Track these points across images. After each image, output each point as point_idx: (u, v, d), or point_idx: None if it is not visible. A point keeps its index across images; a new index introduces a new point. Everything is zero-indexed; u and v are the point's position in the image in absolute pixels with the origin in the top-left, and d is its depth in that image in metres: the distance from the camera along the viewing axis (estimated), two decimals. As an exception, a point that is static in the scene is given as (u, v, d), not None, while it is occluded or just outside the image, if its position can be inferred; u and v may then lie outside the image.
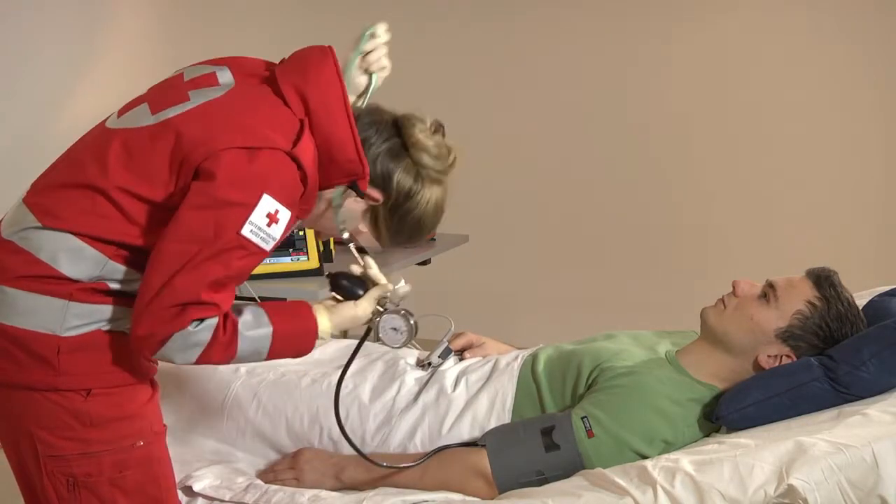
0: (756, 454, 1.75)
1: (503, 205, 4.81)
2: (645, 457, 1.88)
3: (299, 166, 1.58)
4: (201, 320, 1.57)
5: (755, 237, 4.55)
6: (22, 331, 1.58)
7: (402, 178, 1.70)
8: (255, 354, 1.66)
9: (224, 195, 1.54)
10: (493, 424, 2.02)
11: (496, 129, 4.56)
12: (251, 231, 1.55)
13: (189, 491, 1.93)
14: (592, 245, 4.82)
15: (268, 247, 1.59)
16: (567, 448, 1.89)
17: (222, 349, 1.60)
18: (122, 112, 1.69)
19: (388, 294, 1.83)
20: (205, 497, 1.92)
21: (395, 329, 1.85)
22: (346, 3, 5.05)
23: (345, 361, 1.92)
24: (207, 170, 1.54)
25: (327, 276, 1.87)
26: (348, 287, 1.83)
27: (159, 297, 1.53)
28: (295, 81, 1.65)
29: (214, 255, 1.54)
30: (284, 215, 1.58)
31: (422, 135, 1.71)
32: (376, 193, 1.71)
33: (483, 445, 1.94)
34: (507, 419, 2.02)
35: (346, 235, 1.79)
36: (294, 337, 1.70)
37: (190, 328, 1.56)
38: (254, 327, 1.64)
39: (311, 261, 3.02)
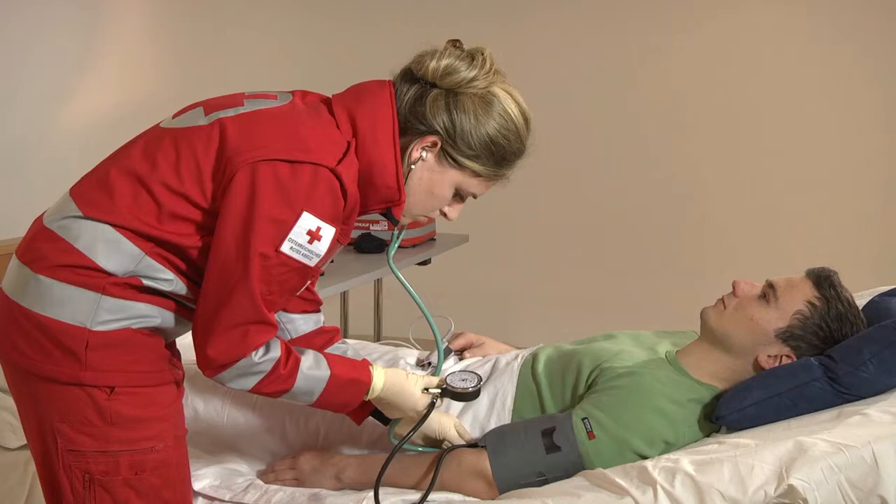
0: (756, 454, 1.75)
1: (503, 205, 4.80)
2: (645, 457, 1.88)
3: (341, 184, 1.58)
4: (266, 349, 1.60)
5: (755, 237, 4.56)
6: (53, 321, 1.58)
7: (432, 111, 1.66)
8: (306, 395, 1.69)
9: (263, 211, 1.54)
10: (493, 424, 2.01)
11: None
12: (291, 248, 1.56)
13: (189, 490, 1.93)
14: (592, 245, 4.83)
15: (311, 263, 1.59)
16: (568, 449, 1.89)
17: (280, 382, 1.64)
18: (177, 115, 1.71)
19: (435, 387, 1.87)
20: (205, 497, 1.92)
21: (463, 381, 1.90)
22: (346, 3, 5.06)
23: None
24: (245, 180, 1.54)
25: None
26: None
27: (218, 317, 1.56)
28: (348, 105, 1.67)
29: (259, 273, 1.55)
30: (328, 231, 1.58)
31: (433, 62, 1.66)
32: (429, 140, 1.67)
33: (483, 446, 1.94)
34: (507, 419, 2.02)
35: (446, 208, 1.78)
36: (347, 385, 1.73)
37: (254, 358, 1.59)
38: (314, 368, 1.68)
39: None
